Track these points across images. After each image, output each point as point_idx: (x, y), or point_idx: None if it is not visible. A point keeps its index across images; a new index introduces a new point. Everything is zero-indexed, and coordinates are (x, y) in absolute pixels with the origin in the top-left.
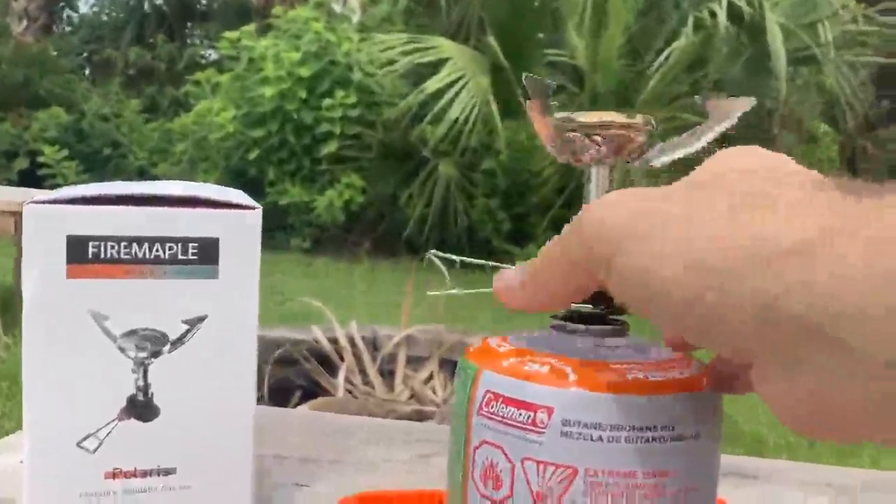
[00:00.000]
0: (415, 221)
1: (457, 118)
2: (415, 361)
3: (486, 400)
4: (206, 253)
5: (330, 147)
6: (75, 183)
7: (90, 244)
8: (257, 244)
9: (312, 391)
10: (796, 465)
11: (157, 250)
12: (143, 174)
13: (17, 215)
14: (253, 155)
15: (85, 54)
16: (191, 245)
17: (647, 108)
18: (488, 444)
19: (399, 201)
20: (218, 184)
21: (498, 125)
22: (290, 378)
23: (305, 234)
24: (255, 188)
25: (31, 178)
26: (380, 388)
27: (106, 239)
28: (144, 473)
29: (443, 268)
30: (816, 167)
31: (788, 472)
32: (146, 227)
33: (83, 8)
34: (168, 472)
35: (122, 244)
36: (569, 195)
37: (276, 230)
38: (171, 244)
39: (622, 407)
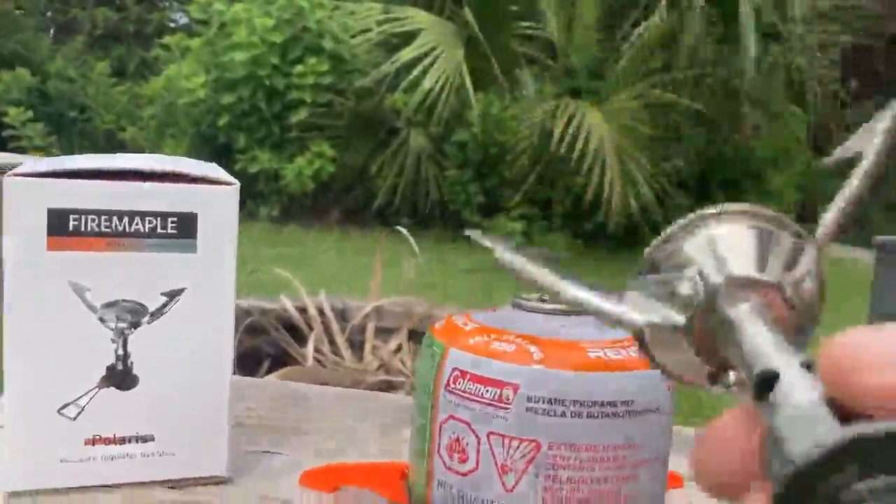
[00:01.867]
0: (385, 192)
1: (430, 89)
2: (384, 332)
3: (453, 377)
4: (185, 227)
5: (300, 114)
6: (41, 145)
7: (71, 217)
8: (235, 219)
9: (281, 360)
10: None
11: (136, 224)
12: (110, 138)
13: None
14: (223, 121)
15: (49, 14)
16: (170, 219)
17: (620, 83)
18: (455, 419)
19: (370, 171)
20: (187, 150)
21: (471, 97)
22: (259, 347)
23: (274, 203)
24: (224, 155)
25: None
26: (349, 357)
27: (86, 212)
28: (123, 440)
29: (411, 239)
30: (784, 146)
31: None
32: (126, 201)
33: None
34: (146, 439)
35: (103, 217)
36: (542, 169)
37: (245, 198)
38: (151, 218)
39: (584, 384)
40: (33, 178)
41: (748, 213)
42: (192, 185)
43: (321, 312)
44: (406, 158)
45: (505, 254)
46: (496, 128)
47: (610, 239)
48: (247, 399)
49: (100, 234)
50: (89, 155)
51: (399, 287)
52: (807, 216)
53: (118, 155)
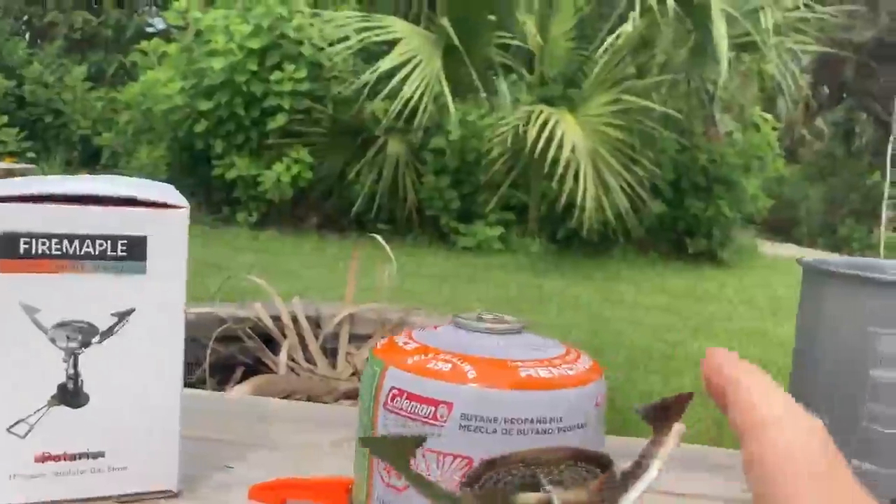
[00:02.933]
0: (363, 198)
1: (410, 97)
2: (358, 339)
3: (391, 395)
4: (135, 250)
5: (278, 121)
6: (15, 150)
7: (22, 240)
8: (184, 241)
9: (254, 368)
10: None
11: (87, 246)
12: (85, 143)
13: None
14: (200, 127)
15: (26, 17)
16: (120, 242)
17: (593, 90)
18: None
19: (347, 178)
20: (164, 157)
21: (450, 105)
22: (232, 355)
23: (252, 209)
24: (201, 161)
25: None
26: (322, 365)
27: (38, 235)
28: (74, 457)
29: (386, 246)
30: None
31: (698, 454)
32: (77, 225)
33: None
34: (97, 455)
35: (53, 240)
36: (516, 175)
37: (222, 204)
38: (101, 241)
39: (516, 402)
40: None
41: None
42: (142, 209)
43: (295, 320)
44: (384, 165)
45: None
46: (473, 135)
47: (585, 244)
48: (203, 414)
49: (51, 257)
50: (40, 178)
51: (374, 294)
52: (778, 221)
53: (70, 177)
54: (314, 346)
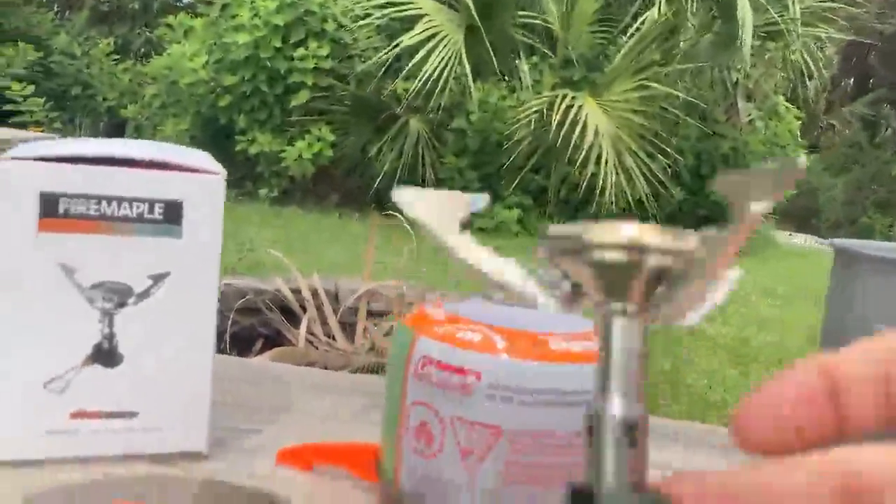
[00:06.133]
0: (383, 176)
1: (430, 75)
2: (376, 315)
3: (421, 363)
4: (171, 214)
5: (301, 98)
6: (42, 120)
7: (61, 200)
8: (220, 208)
9: (274, 340)
10: (712, 428)
11: (125, 209)
12: (111, 115)
13: None
14: (224, 102)
15: None
16: (157, 205)
17: (617, 75)
18: (422, 405)
19: (368, 156)
20: (188, 130)
21: (470, 84)
22: (252, 327)
23: (274, 184)
24: (225, 136)
25: None
26: (340, 339)
27: (77, 196)
28: (107, 415)
29: (407, 224)
30: (778, 141)
31: (702, 433)
32: (115, 187)
33: None
34: (130, 415)
35: (92, 201)
36: (538, 158)
37: (244, 179)
38: (139, 204)
39: (545, 374)
40: (27, 162)
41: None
42: (180, 174)
43: (315, 294)
44: (404, 144)
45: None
46: (494, 116)
47: None
48: (230, 378)
49: (89, 218)
50: (82, 139)
51: (393, 271)
52: (798, 211)
53: (111, 140)
54: (333, 321)
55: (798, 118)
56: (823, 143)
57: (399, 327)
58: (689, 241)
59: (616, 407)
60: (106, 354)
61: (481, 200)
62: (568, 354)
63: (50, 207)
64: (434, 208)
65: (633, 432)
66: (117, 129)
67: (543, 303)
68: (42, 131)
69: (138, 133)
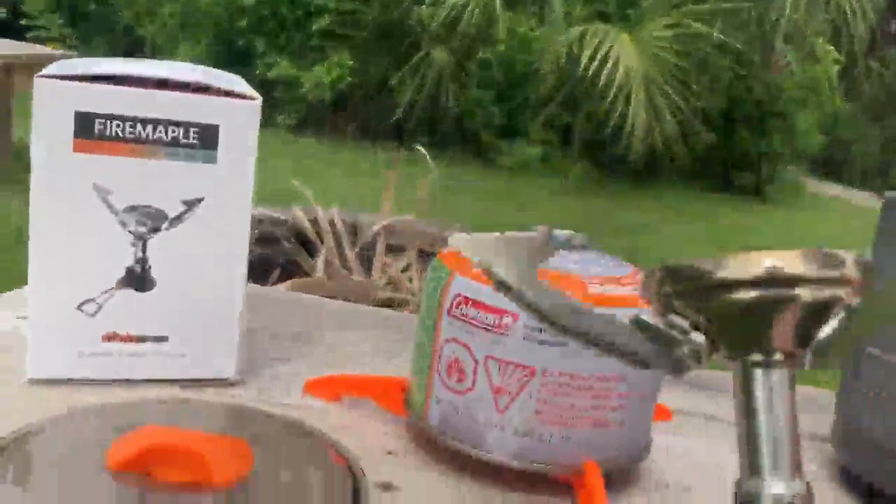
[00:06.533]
0: (404, 108)
1: (457, 1)
2: (394, 250)
3: (456, 302)
4: (207, 138)
5: (322, 21)
6: (57, 37)
7: (97, 121)
8: (255, 134)
9: (291, 271)
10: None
11: (159, 132)
12: (128, 34)
13: None
14: (243, 23)
15: None
16: (192, 129)
17: (652, 12)
18: (455, 342)
19: (389, 85)
20: (205, 51)
21: (498, 12)
22: (269, 256)
23: (291, 111)
24: (243, 59)
25: (10, 29)
26: (358, 272)
27: (112, 117)
28: (139, 339)
29: (428, 158)
30: (815, 87)
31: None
32: (151, 109)
33: None
34: (161, 339)
35: (128, 123)
36: (565, 94)
37: (262, 105)
38: (174, 127)
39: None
40: (62, 81)
41: None
42: (216, 98)
43: (332, 226)
44: (427, 74)
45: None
46: (522, 48)
47: (629, 170)
48: (257, 307)
49: (124, 140)
50: (118, 59)
51: (412, 206)
52: (829, 160)
53: (146, 61)
54: (351, 254)
55: (837, 62)
56: (862, 90)
57: (435, 263)
58: (847, 264)
59: (773, 486)
60: (138, 279)
61: (561, 237)
62: (605, 298)
63: (85, 128)
64: (502, 253)
65: None
66: (134, 48)
67: (662, 365)
68: (57, 48)
69: (155, 53)
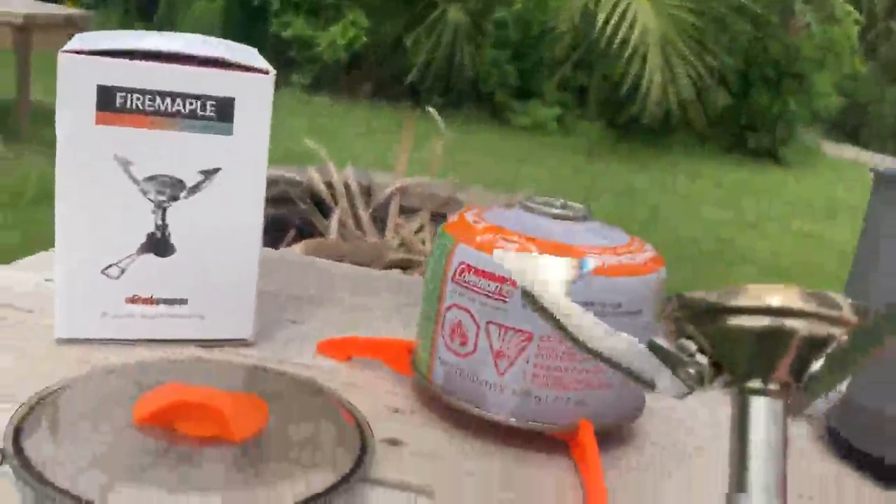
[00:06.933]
0: (419, 68)
1: None
2: (407, 212)
3: (459, 269)
4: (223, 111)
5: None
6: None
7: (118, 94)
8: (269, 106)
9: (306, 231)
10: None
11: (178, 105)
12: None
13: (14, 27)
14: None
15: None
16: (209, 102)
17: None
18: (458, 308)
19: (404, 45)
20: (221, 10)
21: None
22: (285, 216)
23: (306, 71)
24: (258, 18)
25: None
26: (371, 233)
27: (133, 90)
28: (160, 301)
29: (440, 120)
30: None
31: None
32: (170, 83)
33: None
34: (180, 301)
35: (147, 97)
36: (581, 54)
37: (276, 64)
38: (192, 100)
39: (576, 285)
40: (85, 56)
41: None
42: (232, 72)
43: (347, 187)
44: (442, 34)
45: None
46: (538, 7)
47: (644, 130)
48: (272, 271)
49: (144, 112)
50: (138, 32)
51: (425, 167)
52: (846, 122)
53: (166, 35)
54: (365, 215)
55: (857, 22)
56: (882, 52)
57: (441, 233)
58: (845, 308)
59: None
60: (159, 244)
61: (591, 262)
62: (601, 267)
63: (107, 101)
64: (539, 274)
65: None
66: (150, 6)
67: (667, 385)
68: (75, 7)
69: (170, 11)
